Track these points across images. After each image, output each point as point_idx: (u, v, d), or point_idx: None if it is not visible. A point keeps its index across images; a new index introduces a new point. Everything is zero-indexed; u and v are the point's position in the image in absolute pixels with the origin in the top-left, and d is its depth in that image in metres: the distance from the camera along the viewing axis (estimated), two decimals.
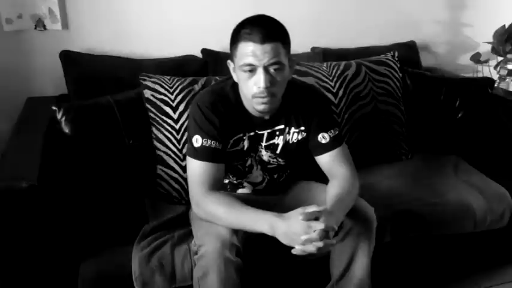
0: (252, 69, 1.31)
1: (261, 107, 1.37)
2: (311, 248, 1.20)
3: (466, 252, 1.85)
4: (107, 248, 1.48)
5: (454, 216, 1.73)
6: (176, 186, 1.72)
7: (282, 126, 1.49)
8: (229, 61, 1.41)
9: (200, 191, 1.37)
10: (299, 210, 1.25)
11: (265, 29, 1.29)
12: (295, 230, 1.22)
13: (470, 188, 1.84)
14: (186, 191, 1.70)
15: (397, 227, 1.65)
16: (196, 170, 1.39)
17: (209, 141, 1.39)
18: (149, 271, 1.40)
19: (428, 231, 1.72)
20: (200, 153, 1.39)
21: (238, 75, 1.37)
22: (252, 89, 1.33)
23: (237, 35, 1.32)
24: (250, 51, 1.29)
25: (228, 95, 1.44)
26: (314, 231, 1.21)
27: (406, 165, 2.01)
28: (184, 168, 1.70)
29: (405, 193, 1.78)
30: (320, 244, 1.20)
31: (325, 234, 1.21)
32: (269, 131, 1.48)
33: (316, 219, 1.23)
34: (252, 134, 1.48)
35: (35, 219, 1.37)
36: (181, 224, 1.57)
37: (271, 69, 1.31)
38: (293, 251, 1.23)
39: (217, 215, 1.33)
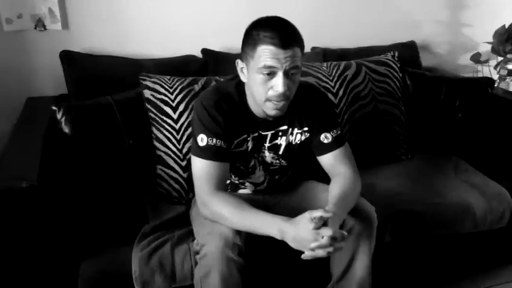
0: (271, 73, 1.30)
1: (273, 112, 1.36)
2: (321, 253, 1.21)
3: (466, 252, 1.85)
4: (107, 247, 1.48)
5: (454, 216, 1.73)
6: (176, 186, 1.72)
7: (285, 127, 1.48)
8: (238, 60, 1.39)
9: (206, 190, 1.36)
10: (306, 215, 1.24)
11: (286, 33, 1.28)
12: (304, 236, 1.22)
13: (470, 188, 1.84)
14: (186, 191, 1.70)
15: (398, 226, 1.65)
16: (202, 169, 1.38)
17: (214, 140, 1.38)
18: (149, 271, 1.39)
19: (428, 231, 1.71)
20: (205, 152, 1.38)
21: (252, 77, 1.34)
22: (268, 93, 1.32)
23: (256, 37, 1.29)
24: (273, 55, 1.27)
25: (232, 94, 1.43)
26: (322, 237, 1.21)
27: (406, 165, 2.01)
28: (184, 168, 1.70)
29: (405, 193, 1.78)
30: (330, 249, 1.21)
31: (334, 240, 1.22)
32: (272, 132, 1.48)
33: (324, 223, 1.23)
34: (255, 134, 1.47)
35: (35, 219, 1.37)
36: (181, 224, 1.57)
37: (290, 73, 1.31)
38: (303, 256, 1.23)
39: (224, 216, 1.32)
